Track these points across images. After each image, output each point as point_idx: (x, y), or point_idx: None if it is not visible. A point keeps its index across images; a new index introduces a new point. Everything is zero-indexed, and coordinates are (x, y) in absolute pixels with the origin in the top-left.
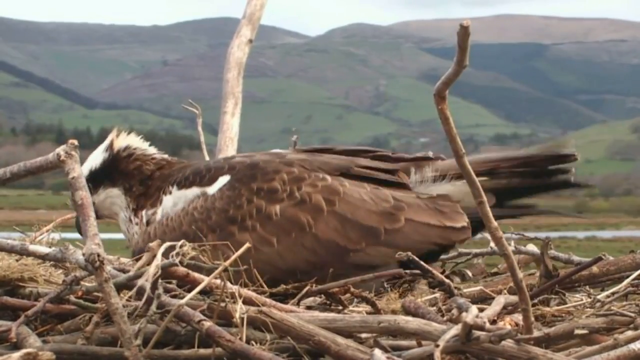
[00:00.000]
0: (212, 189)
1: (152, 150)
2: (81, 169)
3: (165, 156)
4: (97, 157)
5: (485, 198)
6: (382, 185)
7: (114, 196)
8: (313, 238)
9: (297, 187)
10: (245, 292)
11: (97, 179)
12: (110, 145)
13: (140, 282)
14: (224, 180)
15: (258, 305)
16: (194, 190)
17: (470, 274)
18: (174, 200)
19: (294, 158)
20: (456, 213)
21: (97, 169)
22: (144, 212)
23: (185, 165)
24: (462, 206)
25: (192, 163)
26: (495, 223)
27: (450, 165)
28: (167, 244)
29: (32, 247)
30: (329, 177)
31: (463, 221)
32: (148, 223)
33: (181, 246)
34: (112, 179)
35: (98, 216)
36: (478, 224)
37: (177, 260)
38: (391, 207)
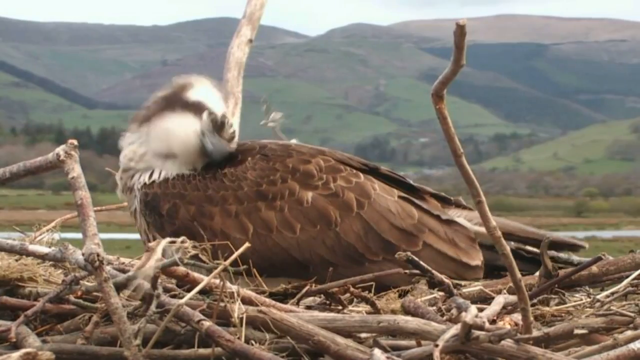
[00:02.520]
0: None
1: None
2: (80, 169)
3: None
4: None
5: (484, 198)
6: (407, 192)
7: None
8: (335, 236)
9: (333, 177)
10: (245, 291)
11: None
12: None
13: (140, 274)
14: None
15: (257, 305)
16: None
17: None
18: None
19: (324, 148)
20: (473, 249)
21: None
22: None
23: None
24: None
25: None
26: (494, 223)
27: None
28: (167, 239)
29: (32, 247)
30: (361, 175)
31: (478, 259)
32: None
33: (182, 242)
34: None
35: None
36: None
37: (177, 257)
38: (413, 226)
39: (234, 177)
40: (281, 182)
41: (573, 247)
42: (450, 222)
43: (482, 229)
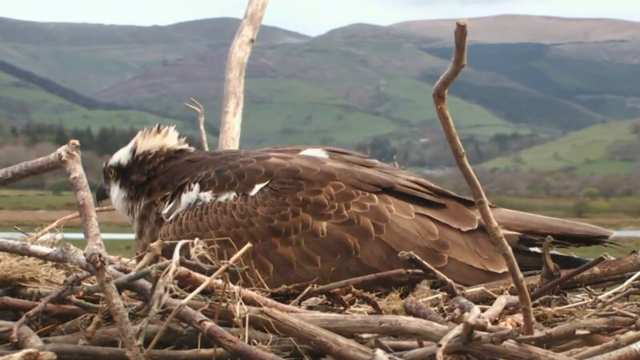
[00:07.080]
0: (251, 194)
1: (170, 143)
2: (82, 169)
3: (180, 146)
4: (123, 155)
5: (485, 198)
6: (425, 208)
7: (120, 196)
8: (357, 263)
9: (345, 205)
10: (247, 292)
11: (119, 175)
12: (134, 148)
13: (158, 284)
14: (261, 185)
15: (259, 306)
16: (230, 195)
17: None
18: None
19: (334, 168)
20: (498, 256)
21: (121, 166)
22: (154, 208)
23: (195, 159)
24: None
25: (203, 157)
26: (495, 223)
27: (500, 214)
28: (182, 241)
29: (33, 247)
30: (375, 197)
31: (504, 266)
32: (162, 219)
33: (193, 245)
34: (126, 180)
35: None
36: None
37: (194, 258)
38: (436, 243)
39: (243, 211)
40: (292, 216)
41: (600, 238)
42: (471, 233)
43: (506, 232)
